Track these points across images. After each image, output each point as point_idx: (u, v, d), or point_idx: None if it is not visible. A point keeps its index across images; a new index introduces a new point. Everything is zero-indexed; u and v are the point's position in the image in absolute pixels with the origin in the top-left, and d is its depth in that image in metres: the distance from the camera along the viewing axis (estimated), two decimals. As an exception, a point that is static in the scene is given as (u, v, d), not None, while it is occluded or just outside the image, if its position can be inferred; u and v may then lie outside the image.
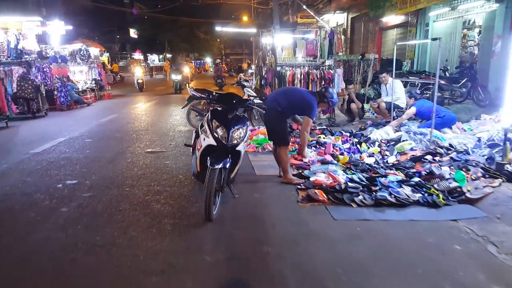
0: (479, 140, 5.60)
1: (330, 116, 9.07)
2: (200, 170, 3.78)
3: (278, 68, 9.01)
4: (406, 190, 4.25)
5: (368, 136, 6.53)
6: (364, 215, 3.82)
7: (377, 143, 6.15)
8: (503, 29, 10.23)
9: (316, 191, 4.16)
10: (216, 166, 3.43)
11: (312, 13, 14.48)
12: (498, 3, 10.51)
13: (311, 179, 4.63)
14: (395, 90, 7.79)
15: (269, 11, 27.43)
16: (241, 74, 23.78)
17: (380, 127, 7.36)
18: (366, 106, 9.36)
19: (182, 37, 41.18)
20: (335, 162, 5.02)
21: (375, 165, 5.23)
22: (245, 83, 8.10)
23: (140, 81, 19.18)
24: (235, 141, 3.63)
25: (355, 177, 4.65)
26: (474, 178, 4.31)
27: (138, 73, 19.94)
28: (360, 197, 4.10)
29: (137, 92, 19.05)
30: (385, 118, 8.36)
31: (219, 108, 3.99)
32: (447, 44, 13.42)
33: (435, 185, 4.32)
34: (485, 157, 4.94)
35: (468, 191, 4.15)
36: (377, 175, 4.81)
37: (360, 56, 10.67)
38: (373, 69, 10.59)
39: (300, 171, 5.17)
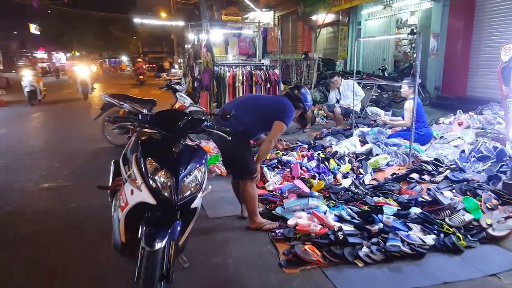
0: (462, 152, 4.87)
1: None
2: (125, 240, 2.25)
3: (216, 68, 7.65)
4: (416, 231, 3.24)
5: (334, 150, 5.50)
6: (380, 280, 2.69)
7: (347, 159, 5.14)
8: (440, 28, 10.10)
9: (306, 247, 2.92)
10: (157, 246, 1.98)
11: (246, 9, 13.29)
12: (434, 1, 10.37)
13: (289, 222, 3.39)
14: (356, 92, 6.92)
15: (192, 6, 25.77)
16: (164, 73, 21.84)
17: (340, 136, 6.42)
18: (315, 110, 8.43)
19: (94, 34, 37.40)
20: (316, 194, 3.84)
21: (358, 191, 4.18)
22: (177, 87, 6.58)
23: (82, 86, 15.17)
24: (188, 193, 2.21)
25: (344, 214, 3.53)
26: (490, 207, 3.45)
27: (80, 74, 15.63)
28: (365, 249, 2.97)
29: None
30: (339, 124, 7.49)
31: (156, 134, 2.52)
32: (381, 44, 13.24)
33: (447, 220, 3.37)
34: (483, 174, 4.16)
35: (489, 225, 3.26)
36: (366, 206, 3.76)
37: (303, 55, 9.72)
38: (317, 70, 9.74)
39: (268, 206, 3.91)
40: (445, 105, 9.62)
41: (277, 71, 7.95)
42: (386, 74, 11.35)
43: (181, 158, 2.23)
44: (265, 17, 19.68)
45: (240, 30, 11.55)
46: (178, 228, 2.11)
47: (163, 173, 2.14)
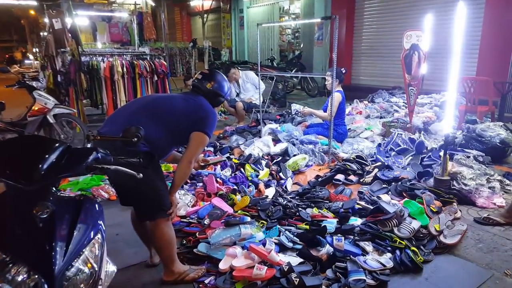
0: (379, 145, 4.65)
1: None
2: None
3: (86, 58, 6.18)
4: (371, 252, 2.74)
5: (246, 152, 4.78)
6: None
7: (263, 163, 4.47)
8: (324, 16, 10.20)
9: (257, 306, 2.11)
10: None
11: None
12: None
13: (221, 266, 2.54)
14: (256, 85, 6.29)
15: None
16: (16, 66, 18.24)
17: (246, 134, 5.73)
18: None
19: None
20: (248, 219, 3.04)
21: (287, 203, 3.55)
22: (34, 83, 4.96)
23: None
24: None
25: (284, 240, 2.83)
26: (434, 210, 3.15)
27: None
28: (327, 291, 2.32)
29: None
30: (241, 120, 6.82)
31: None
32: (265, 33, 12.99)
33: (396, 231, 2.95)
34: (409, 170, 3.94)
35: (439, 232, 2.94)
36: (303, 223, 3.14)
37: (191, 44, 8.73)
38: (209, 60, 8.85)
39: (184, 241, 2.99)
40: (324, 93, 9.80)
41: (164, 62, 6.84)
42: (274, 64, 11.12)
43: (52, 231, 1.19)
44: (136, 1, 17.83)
45: (112, 13, 9.92)
46: None
47: (16, 270, 1.09)
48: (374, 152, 4.54)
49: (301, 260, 2.66)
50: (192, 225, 3.16)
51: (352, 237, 2.93)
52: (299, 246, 2.81)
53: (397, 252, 2.72)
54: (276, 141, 5.09)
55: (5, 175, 1.20)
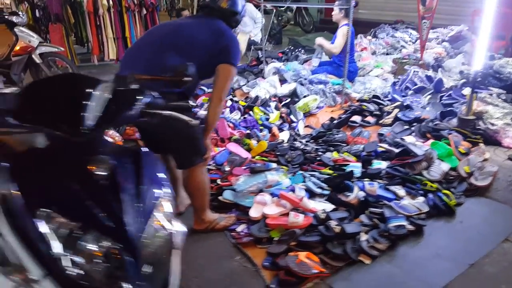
0: (394, 84, 4.43)
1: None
2: None
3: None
4: (401, 194, 2.64)
5: (252, 94, 4.49)
6: (404, 281, 2.01)
7: (272, 105, 4.22)
8: None
9: (302, 257, 2.00)
10: None
11: None
12: None
13: (252, 214, 2.40)
14: (255, 19, 5.82)
15: None
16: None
17: (248, 74, 5.39)
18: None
19: None
20: (273, 165, 2.86)
21: (304, 147, 3.38)
22: (14, 19, 4.39)
23: None
24: (156, 267, 1.00)
25: (312, 186, 2.70)
26: (463, 152, 3.04)
27: None
28: (366, 237, 2.23)
29: None
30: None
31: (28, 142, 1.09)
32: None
33: (425, 174, 2.85)
34: (428, 109, 3.78)
35: (469, 174, 2.85)
36: (326, 168, 3.00)
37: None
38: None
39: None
40: (331, 30, 9.28)
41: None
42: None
43: (117, 190, 0.98)
44: None
45: None
46: None
47: (87, 238, 0.89)
48: (389, 92, 4.34)
49: (332, 206, 2.55)
50: (210, 172, 2.98)
51: (380, 181, 2.82)
52: (327, 192, 2.69)
53: (430, 195, 2.64)
54: (282, 81, 4.80)
55: (47, 123, 0.95)
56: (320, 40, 4.89)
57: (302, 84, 4.58)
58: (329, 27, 9.32)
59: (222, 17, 2.24)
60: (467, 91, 3.62)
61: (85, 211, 0.91)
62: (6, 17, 4.36)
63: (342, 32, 4.52)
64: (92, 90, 1.04)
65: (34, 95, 1.01)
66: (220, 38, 2.15)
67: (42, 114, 0.99)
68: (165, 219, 1.04)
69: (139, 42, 2.25)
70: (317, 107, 4.23)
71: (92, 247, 0.87)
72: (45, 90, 1.05)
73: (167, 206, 1.07)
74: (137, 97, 1.11)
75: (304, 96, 4.32)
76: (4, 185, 0.89)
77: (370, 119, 3.80)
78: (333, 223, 2.20)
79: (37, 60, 4.49)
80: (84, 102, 1.00)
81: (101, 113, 1.02)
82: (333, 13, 4.79)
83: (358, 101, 4.17)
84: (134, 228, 0.93)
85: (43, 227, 0.86)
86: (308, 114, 4.19)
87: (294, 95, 4.45)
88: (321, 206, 2.50)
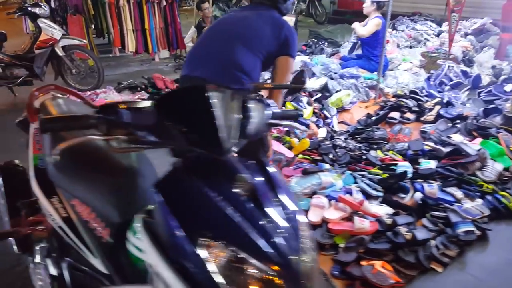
0: (428, 78, 4.33)
1: (179, 53, 6.28)
2: None
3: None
4: (459, 196, 2.56)
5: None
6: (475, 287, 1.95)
7: (304, 100, 4.11)
8: None
9: (377, 267, 1.92)
10: None
11: None
12: None
13: (312, 218, 2.29)
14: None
15: None
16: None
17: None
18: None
19: None
20: (326, 166, 2.77)
21: (346, 145, 3.29)
22: (37, 10, 4.22)
23: None
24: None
25: (367, 188, 2.61)
26: (515, 151, 2.97)
27: None
28: (436, 242, 2.15)
29: None
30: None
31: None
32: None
33: (479, 174, 2.77)
34: (469, 106, 3.69)
35: (523, 175, 2.78)
36: (374, 168, 2.92)
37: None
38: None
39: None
40: (344, 21, 9.16)
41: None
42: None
43: (262, 211, 0.89)
44: None
45: None
46: None
47: (249, 266, 0.80)
48: (422, 87, 4.25)
49: (390, 209, 2.46)
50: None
51: (433, 182, 2.74)
52: (380, 194, 2.61)
53: (488, 197, 2.56)
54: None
55: (190, 141, 0.86)
56: (355, 24, 4.75)
57: (332, 78, 4.48)
58: (341, 19, 9.19)
59: (273, 6, 2.14)
60: (509, 87, 3.53)
61: (238, 234, 0.82)
62: (29, 8, 4.20)
63: (374, 22, 4.42)
64: (222, 103, 0.94)
65: (166, 108, 0.91)
66: (281, 29, 2.06)
67: (176, 129, 0.90)
68: (310, 239, 0.95)
69: (204, 40, 2.15)
70: (350, 103, 4.14)
71: (253, 272, 0.79)
72: (176, 102, 0.95)
73: (305, 224, 0.98)
74: (266, 111, 1.03)
75: (337, 91, 4.22)
76: (165, 225, 0.83)
77: (409, 115, 3.71)
78: (402, 229, 2.12)
79: (60, 53, 4.34)
80: (215, 119, 0.91)
81: (239, 131, 0.95)
82: (364, 5, 4.67)
83: (394, 96, 4.07)
84: (291, 250, 0.84)
85: (204, 255, 0.77)
86: (341, 110, 4.09)
87: (324, 90, 4.35)
88: (381, 209, 2.42)
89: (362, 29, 4.56)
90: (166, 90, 4.31)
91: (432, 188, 2.52)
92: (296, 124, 1.21)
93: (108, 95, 4.05)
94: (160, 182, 0.90)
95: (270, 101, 1.13)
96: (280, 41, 2.04)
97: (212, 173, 0.92)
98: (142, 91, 4.27)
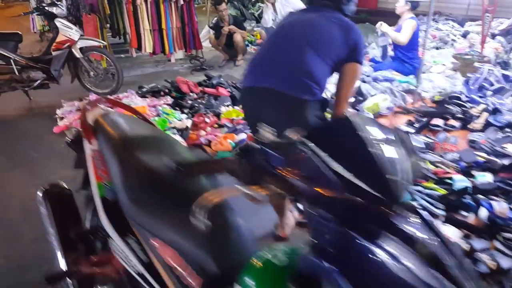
0: (466, 82, 4.13)
1: (195, 53, 6.05)
2: None
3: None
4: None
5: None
6: None
7: (338, 105, 3.90)
8: None
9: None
10: None
11: None
12: None
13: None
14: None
15: None
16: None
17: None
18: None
19: None
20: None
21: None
22: (55, 10, 3.98)
23: None
24: None
25: (427, 205, 2.41)
26: None
27: None
28: None
29: None
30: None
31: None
32: None
33: (543, 190, 2.56)
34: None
35: None
36: (428, 182, 2.71)
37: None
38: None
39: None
40: (358, 20, 8.93)
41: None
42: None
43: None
44: None
45: None
46: None
47: None
48: (460, 91, 4.04)
49: (457, 230, 2.26)
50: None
51: (496, 198, 2.53)
52: (442, 212, 2.41)
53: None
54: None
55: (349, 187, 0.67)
56: (385, 27, 4.48)
57: (364, 82, 4.27)
58: (357, 18, 8.98)
59: (337, 8, 1.92)
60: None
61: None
62: (46, 8, 3.97)
63: (410, 24, 4.21)
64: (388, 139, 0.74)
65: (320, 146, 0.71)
66: (349, 34, 1.85)
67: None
68: None
69: (268, 47, 1.94)
70: (387, 108, 3.92)
71: None
72: (327, 138, 0.74)
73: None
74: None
75: (372, 96, 4.01)
76: None
77: (453, 122, 3.50)
78: (484, 257, 1.92)
79: (77, 54, 4.11)
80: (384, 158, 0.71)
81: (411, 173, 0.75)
82: (397, 4, 4.45)
83: (434, 102, 3.86)
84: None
85: None
86: (377, 115, 3.88)
87: (358, 94, 4.14)
88: (448, 231, 2.22)
89: (401, 35, 4.32)
90: (191, 94, 4.09)
91: (501, 206, 2.31)
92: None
93: (132, 100, 3.82)
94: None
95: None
96: (349, 46, 1.84)
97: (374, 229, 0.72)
98: (167, 96, 4.04)
